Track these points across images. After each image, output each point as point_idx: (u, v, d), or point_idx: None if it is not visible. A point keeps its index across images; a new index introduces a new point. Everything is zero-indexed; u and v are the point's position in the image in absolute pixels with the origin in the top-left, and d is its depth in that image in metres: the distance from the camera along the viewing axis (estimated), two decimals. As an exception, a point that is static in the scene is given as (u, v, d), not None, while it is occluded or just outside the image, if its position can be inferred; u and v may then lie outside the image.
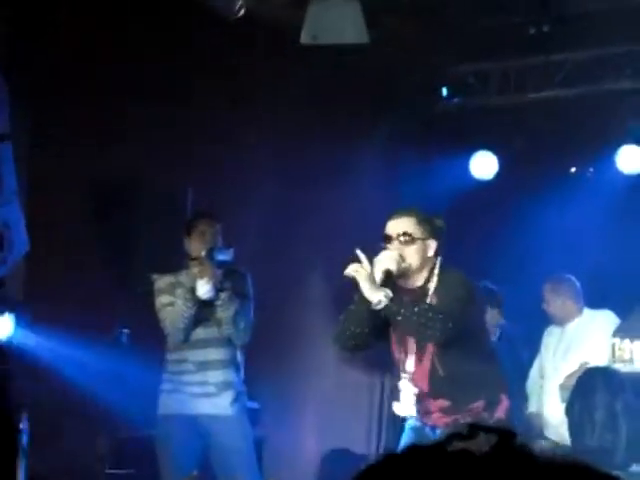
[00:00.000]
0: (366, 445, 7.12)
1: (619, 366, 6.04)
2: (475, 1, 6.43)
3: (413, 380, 4.64)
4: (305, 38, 6.26)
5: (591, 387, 5.69)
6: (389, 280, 4.46)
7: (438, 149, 7.17)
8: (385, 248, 4.58)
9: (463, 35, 6.56)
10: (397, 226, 4.64)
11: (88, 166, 6.58)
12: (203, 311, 5.67)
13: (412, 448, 1.03)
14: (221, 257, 5.65)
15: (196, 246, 5.68)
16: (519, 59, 6.99)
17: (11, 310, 5.07)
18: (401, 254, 4.54)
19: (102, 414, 6.28)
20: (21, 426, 5.18)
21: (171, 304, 5.68)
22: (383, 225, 6.88)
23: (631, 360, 6.12)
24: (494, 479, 0.97)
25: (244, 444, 5.65)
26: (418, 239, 4.61)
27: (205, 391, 5.65)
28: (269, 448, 6.42)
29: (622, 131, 6.98)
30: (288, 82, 6.97)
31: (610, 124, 6.88)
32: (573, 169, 7.29)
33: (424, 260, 4.63)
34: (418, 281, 4.63)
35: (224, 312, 5.64)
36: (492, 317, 6.05)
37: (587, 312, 6.25)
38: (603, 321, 6.19)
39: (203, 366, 5.66)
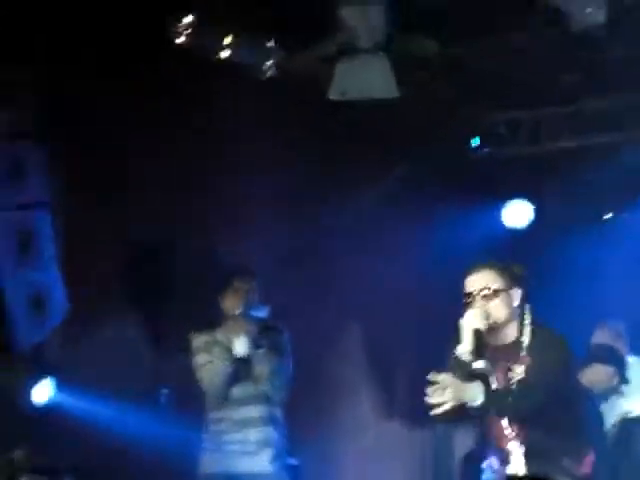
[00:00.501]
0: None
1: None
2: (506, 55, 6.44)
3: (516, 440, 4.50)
4: (334, 94, 6.32)
5: None
6: (480, 340, 4.33)
7: (471, 199, 7.17)
8: (468, 307, 4.43)
9: (494, 85, 6.59)
10: (477, 281, 4.48)
11: (121, 227, 6.65)
12: (240, 369, 5.68)
13: None
14: (256, 314, 5.67)
15: (231, 303, 5.71)
16: (550, 108, 7.01)
17: (51, 374, 5.12)
18: (486, 310, 4.41)
19: (144, 476, 6.29)
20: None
21: (208, 363, 5.70)
22: (418, 275, 6.95)
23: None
24: None
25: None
26: (501, 291, 4.47)
27: (245, 449, 5.65)
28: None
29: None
30: (320, 137, 7.02)
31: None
32: (608, 215, 7.27)
33: (511, 312, 4.48)
34: (509, 335, 4.48)
35: (261, 369, 5.66)
36: None
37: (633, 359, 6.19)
38: None
39: (242, 424, 5.67)
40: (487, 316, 4.40)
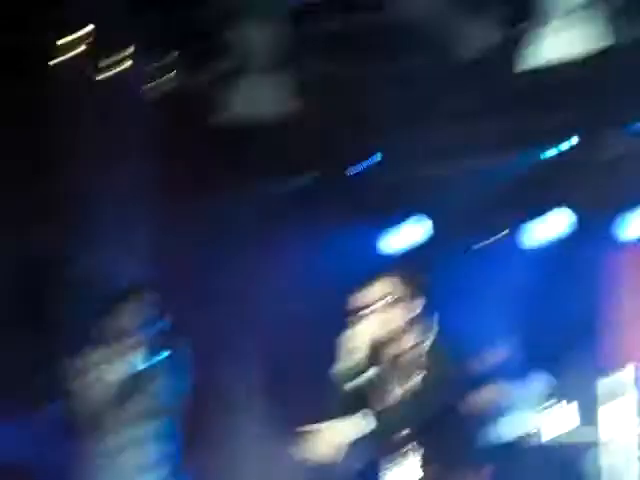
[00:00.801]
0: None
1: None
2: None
3: None
4: (226, 113, 6.36)
5: None
6: (376, 349, 4.34)
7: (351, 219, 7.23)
8: (363, 317, 4.42)
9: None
10: (379, 289, 4.45)
11: (11, 246, 6.52)
12: (137, 384, 5.62)
13: None
14: (154, 328, 5.64)
15: (128, 318, 5.66)
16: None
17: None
18: (385, 318, 4.41)
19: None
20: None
21: (102, 378, 5.63)
22: (306, 292, 6.92)
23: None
24: None
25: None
26: (402, 299, 4.45)
27: (141, 465, 5.58)
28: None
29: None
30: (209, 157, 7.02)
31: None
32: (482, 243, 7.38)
33: (412, 321, 4.46)
34: (408, 345, 4.45)
35: (158, 384, 5.61)
36: None
37: None
38: None
39: (138, 440, 5.60)
40: (386, 324, 4.41)
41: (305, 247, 7.19)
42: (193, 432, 6.24)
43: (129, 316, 5.67)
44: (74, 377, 5.72)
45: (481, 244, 7.36)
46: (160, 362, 5.62)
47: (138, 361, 5.61)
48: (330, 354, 4.55)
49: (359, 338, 4.38)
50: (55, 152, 6.51)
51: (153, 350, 5.63)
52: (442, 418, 4.32)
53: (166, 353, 5.65)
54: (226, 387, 7.17)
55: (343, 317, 4.54)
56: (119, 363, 5.61)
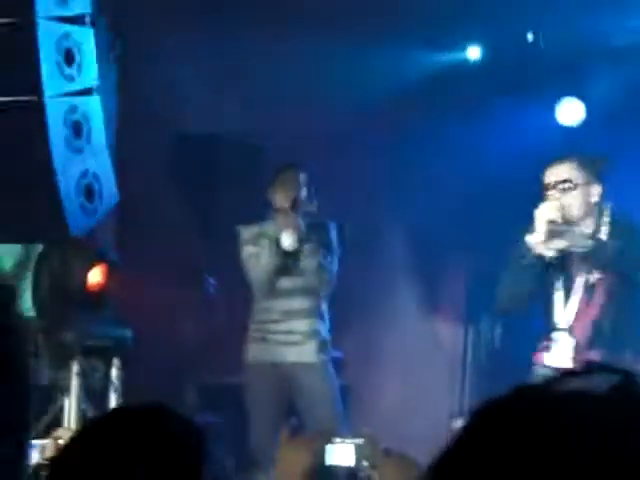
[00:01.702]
0: (449, 396, 7.15)
1: None
2: None
3: (572, 331, 4.47)
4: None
5: None
6: (554, 233, 4.31)
7: (522, 94, 7.05)
8: (545, 199, 4.40)
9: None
10: (555, 173, 4.42)
11: (169, 120, 6.64)
12: (288, 261, 5.72)
13: (520, 389, 0.96)
14: (305, 208, 5.68)
15: (280, 197, 5.72)
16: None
17: (104, 260, 5.19)
18: (562, 203, 4.35)
19: (189, 362, 6.40)
20: (112, 372, 5.31)
21: (256, 255, 5.74)
22: (469, 174, 6.87)
23: None
24: (611, 419, 0.91)
25: (330, 391, 5.72)
26: (579, 185, 4.39)
27: (291, 340, 5.72)
28: (354, 396, 6.48)
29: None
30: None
31: None
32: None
33: (588, 207, 4.42)
34: (586, 236, 4.39)
35: (308, 263, 5.69)
36: None
37: None
38: None
39: (288, 315, 5.73)
40: (562, 209, 4.35)
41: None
42: (347, 313, 6.36)
43: (282, 194, 5.72)
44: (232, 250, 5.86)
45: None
46: (312, 242, 5.68)
47: (290, 239, 5.67)
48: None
49: (538, 219, 4.34)
50: None
51: (305, 230, 5.68)
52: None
53: (318, 234, 5.72)
54: (378, 265, 7.19)
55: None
56: (272, 239, 5.69)
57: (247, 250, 5.81)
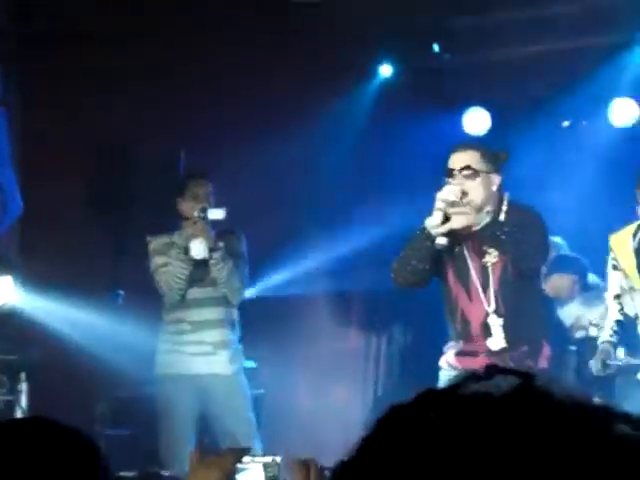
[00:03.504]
0: (361, 404, 7.18)
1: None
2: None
3: (470, 318, 4.53)
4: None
5: None
6: (446, 221, 4.39)
7: (430, 105, 7.15)
8: (447, 183, 4.46)
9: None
10: (460, 159, 4.50)
11: (82, 129, 6.59)
12: (198, 271, 5.69)
13: (423, 393, 0.97)
14: (214, 216, 5.65)
15: (189, 206, 5.69)
16: (512, 13, 6.96)
17: (9, 273, 5.09)
18: (463, 189, 4.42)
19: (98, 375, 6.32)
20: (19, 387, 5.22)
21: (165, 265, 5.70)
22: (377, 178, 6.93)
23: None
24: (511, 421, 0.91)
25: (242, 402, 5.69)
26: (482, 172, 4.47)
27: (202, 350, 5.68)
28: (266, 406, 6.47)
29: (615, 84, 6.96)
30: (287, 40, 6.91)
31: (602, 77, 6.86)
32: (566, 123, 7.27)
33: (488, 195, 4.50)
34: (470, 221, 4.48)
35: (218, 271, 5.66)
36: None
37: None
38: None
39: (199, 326, 5.69)
40: (464, 194, 4.42)
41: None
42: (259, 322, 6.34)
43: (191, 203, 5.68)
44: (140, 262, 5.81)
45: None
46: (222, 250, 5.65)
47: (200, 248, 5.64)
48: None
49: (437, 200, 4.43)
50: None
51: (215, 238, 5.65)
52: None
53: (228, 242, 5.69)
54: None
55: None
56: (182, 249, 5.65)
57: (156, 260, 5.76)
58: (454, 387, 0.96)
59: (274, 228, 6.79)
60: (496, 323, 4.54)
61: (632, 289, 5.13)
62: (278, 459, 2.35)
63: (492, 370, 0.97)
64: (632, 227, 5.17)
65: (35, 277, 5.64)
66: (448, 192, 4.41)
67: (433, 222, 4.41)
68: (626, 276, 5.15)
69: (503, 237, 4.43)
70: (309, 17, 6.70)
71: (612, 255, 5.19)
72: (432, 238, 4.43)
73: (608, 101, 7.01)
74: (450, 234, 4.45)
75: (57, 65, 6.37)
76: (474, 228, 4.50)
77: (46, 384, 5.71)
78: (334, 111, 6.99)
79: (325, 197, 7.16)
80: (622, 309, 5.17)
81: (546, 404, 0.93)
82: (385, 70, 7.39)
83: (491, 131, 7.15)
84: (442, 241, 4.42)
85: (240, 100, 6.86)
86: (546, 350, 4.59)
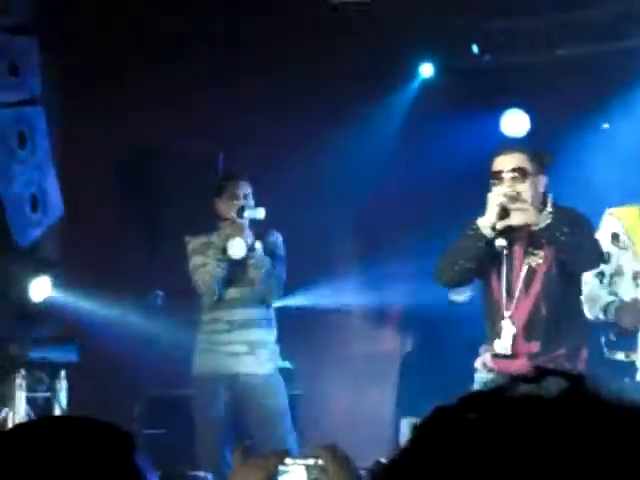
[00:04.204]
0: (394, 407, 7.17)
1: None
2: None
3: (512, 319, 4.52)
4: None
5: None
6: (505, 218, 4.40)
7: (468, 106, 7.13)
8: (495, 186, 4.47)
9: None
10: (509, 161, 4.50)
11: (120, 131, 6.63)
12: (235, 271, 5.70)
13: (469, 395, 0.97)
14: (252, 217, 5.67)
15: (227, 207, 5.70)
16: (550, 15, 6.94)
17: (48, 272, 5.14)
18: (515, 190, 4.43)
19: (138, 375, 6.36)
20: (58, 385, 5.26)
21: (204, 265, 5.71)
22: (414, 180, 6.93)
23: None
24: (562, 424, 0.91)
25: (278, 402, 5.69)
26: (530, 174, 4.48)
27: (239, 350, 5.69)
28: (303, 407, 6.47)
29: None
30: (318, 43, 6.94)
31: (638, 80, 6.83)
32: (606, 125, 7.24)
33: (537, 197, 4.51)
34: (530, 219, 4.47)
35: (256, 271, 5.67)
36: None
37: None
38: None
39: (236, 325, 5.70)
40: (515, 196, 4.43)
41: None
42: (293, 321, 6.35)
43: (229, 203, 5.70)
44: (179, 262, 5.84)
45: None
46: (259, 251, 5.66)
47: (238, 248, 5.65)
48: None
49: (489, 204, 4.44)
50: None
51: (253, 239, 5.67)
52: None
53: (266, 243, 5.71)
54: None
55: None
56: (220, 249, 5.67)
57: (195, 260, 5.78)
58: (500, 389, 0.96)
59: (313, 229, 6.81)
60: (509, 328, 4.52)
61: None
62: (321, 461, 2.35)
63: (541, 372, 0.97)
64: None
65: (74, 277, 5.68)
66: (500, 194, 4.42)
67: (488, 220, 4.43)
68: (637, 257, 5.02)
69: (563, 238, 4.41)
70: (358, 17, 6.71)
71: (616, 229, 5.01)
72: (484, 238, 4.43)
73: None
74: (504, 233, 4.45)
75: (91, 64, 6.40)
76: (533, 227, 4.48)
77: (85, 382, 5.75)
78: (375, 111, 7.00)
79: (363, 199, 7.15)
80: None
81: (596, 406, 0.93)
82: (426, 70, 7.40)
83: (530, 133, 7.12)
84: (502, 242, 4.43)
85: (287, 100, 6.88)
86: (584, 353, 4.57)
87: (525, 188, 4.46)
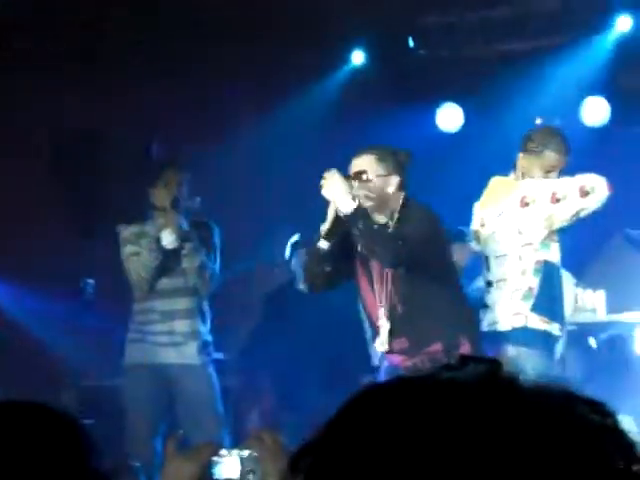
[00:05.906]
0: (326, 396, 7.17)
1: (581, 316, 6.10)
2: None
3: (385, 318, 4.57)
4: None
5: None
6: (339, 223, 4.46)
7: (404, 100, 7.15)
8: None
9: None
10: (354, 164, 4.58)
11: (51, 117, 6.53)
12: (169, 261, 5.65)
13: (398, 379, 1.01)
14: (186, 207, 5.62)
15: (161, 196, 5.64)
16: (486, 10, 6.98)
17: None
18: (355, 194, 4.45)
19: (67, 365, 6.28)
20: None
21: (136, 254, 5.66)
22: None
23: (593, 310, 6.20)
24: (478, 407, 0.95)
25: (210, 393, 5.66)
26: (378, 176, 4.53)
27: (171, 340, 5.65)
28: (234, 398, 6.45)
29: (588, 82, 7.00)
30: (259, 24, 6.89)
31: (575, 75, 6.90)
32: (539, 120, 7.30)
33: (383, 198, 4.55)
34: (380, 220, 4.56)
35: (189, 262, 5.63)
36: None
37: None
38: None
39: (169, 315, 5.65)
40: (355, 199, 4.44)
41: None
42: (228, 314, 6.32)
43: (163, 192, 5.65)
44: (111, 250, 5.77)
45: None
46: (193, 241, 5.62)
47: (171, 238, 5.60)
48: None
49: (330, 208, 4.49)
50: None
51: (187, 229, 5.62)
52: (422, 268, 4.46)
53: (200, 233, 5.67)
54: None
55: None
56: (153, 238, 5.61)
57: (127, 249, 5.72)
58: (429, 376, 1.00)
59: (245, 218, 6.78)
60: (384, 325, 4.56)
61: None
62: (255, 453, 2.34)
63: (463, 359, 1.01)
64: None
65: (3, 268, 5.58)
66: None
67: (323, 228, 4.54)
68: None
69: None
70: (293, 4, 6.68)
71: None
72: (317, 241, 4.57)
73: (580, 100, 7.04)
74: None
75: (26, 48, 6.30)
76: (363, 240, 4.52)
77: (10, 372, 5.66)
78: (304, 97, 6.97)
79: (293, 185, 7.12)
80: None
81: (510, 390, 0.97)
82: (357, 58, 7.36)
83: (463, 127, 7.17)
84: (323, 245, 4.54)
85: (221, 85, 6.83)
86: (466, 346, 4.47)
87: (367, 191, 4.50)
